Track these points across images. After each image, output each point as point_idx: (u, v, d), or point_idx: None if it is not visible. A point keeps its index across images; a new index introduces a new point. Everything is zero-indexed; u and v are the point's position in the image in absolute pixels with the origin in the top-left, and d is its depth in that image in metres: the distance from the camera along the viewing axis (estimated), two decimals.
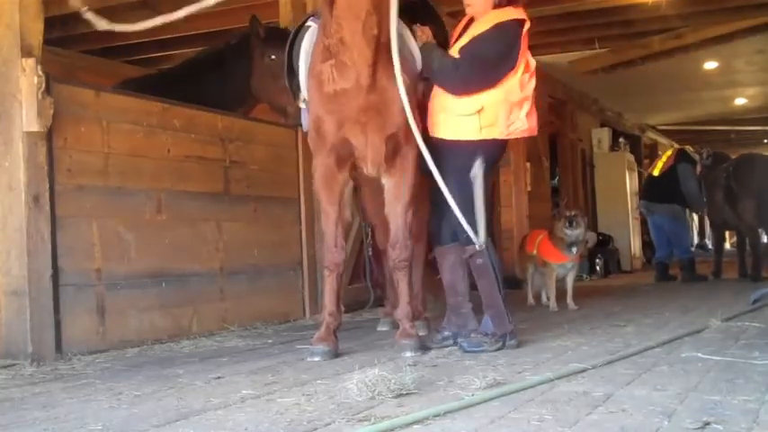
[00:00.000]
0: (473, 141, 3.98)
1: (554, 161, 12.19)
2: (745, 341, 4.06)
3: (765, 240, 9.65)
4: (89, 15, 3.75)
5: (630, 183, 13.27)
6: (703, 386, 2.92)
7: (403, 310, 4.08)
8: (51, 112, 4.05)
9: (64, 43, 7.13)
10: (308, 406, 2.76)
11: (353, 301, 6.35)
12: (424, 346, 4.03)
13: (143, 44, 8.66)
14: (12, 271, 3.99)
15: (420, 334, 4.31)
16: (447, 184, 3.81)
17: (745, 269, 9.30)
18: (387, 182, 4.08)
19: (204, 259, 5.12)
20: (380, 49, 3.73)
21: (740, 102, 14.48)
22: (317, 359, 3.86)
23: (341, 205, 4.06)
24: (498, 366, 3.47)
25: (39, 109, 3.98)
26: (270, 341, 4.73)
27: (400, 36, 3.84)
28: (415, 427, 2.40)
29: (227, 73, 5.78)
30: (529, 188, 10.32)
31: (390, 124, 3.88)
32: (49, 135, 4.12)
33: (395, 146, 3.94)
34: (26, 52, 4.00)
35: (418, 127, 3.79)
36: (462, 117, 3.99)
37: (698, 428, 2.28)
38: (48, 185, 4.09)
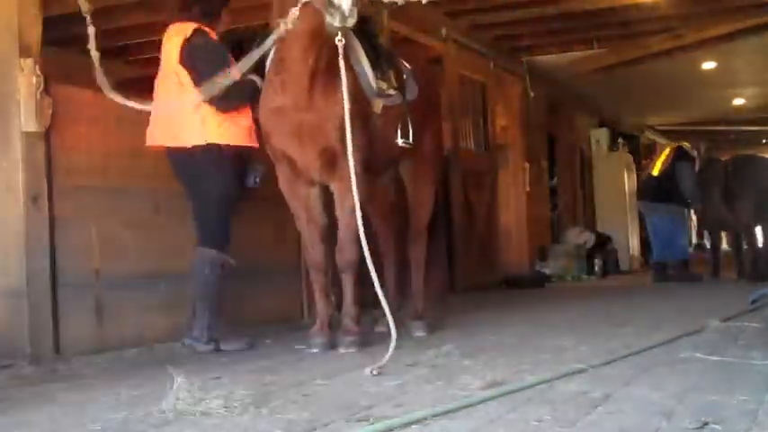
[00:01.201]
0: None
1: (552, 161, 12.21)
2: (744, 341, 4.06)
3: (762, 240, 9.65)
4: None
5: (629, 183, 13.27)
6: (702, 386, 2.92)
7: (346, 309, 4.33)
8: (50, 112, 4.06)
9: (63, 43, 7.13)
10: (307, 406, 2.76)
11: None
12: (361, 343, 4.24)
13: (143, 44, 8.65)
14: (10, 271, 3.99)
15: (418, 334, 4.65)
16: None
17: (742, 269, 9.31)
18: (333, 189, 4.32)
19: None
20: (318, 73, 4.01)
21: (739, 102, 14.49)
22: (315, 350, 4.20)
23: (308, 208, 4.39)
24: (497, 366, 3.47)
25: (37, 109, 3.98)
26: (268, 341, 4.73)
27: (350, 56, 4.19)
28: (413, 427, 2.40)
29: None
30: (527, 188, 10.34)
31: (323, 140, 4.11)
32: (48, 135, 4.11)
33: (330, 159, 4.16)
34: (24, 52, 4.00)
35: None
36: None
37: (697, 428, 2.28)
38: (46, 186, 4.09)
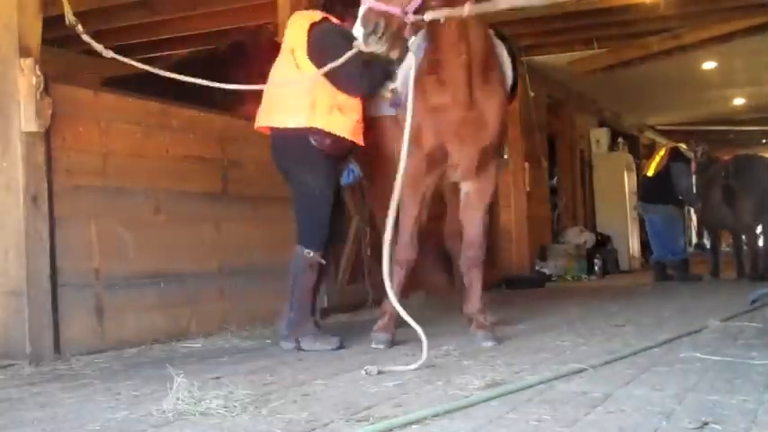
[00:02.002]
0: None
1: (553, 161, 12.21)
2: (744, 341, 4.06)
3: (762, 240, 9.65)
4: (86, 37, 4.00)
5: (629, 183, 13.28)
6: (702, 386, 2.92)
7: (475, 305, 4.49)
8: (50, 112, 4.05)
9: (62, 43, 7.13)
10: (307, 406, 2.76)
11: (352, 302, 6.36)
12: (497, 338, 4.34)
13: (142, 44, 8.67)
14: (10, 271, 3.98)
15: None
16: None
17: (742, 269, 9.31)
18: (470, 188, 4.50)
19: (203, 259, 5.11)
20: (475, 70, 4.17)
21: (739, 102, 14.49)
22: (381, 347, 4.26)
23: (422, 206, 4.43)
24: (497, 366, 3.47)
25: (37, 109, 3.98)
26: (268, 341, 4.73)
27: (497, 54, 4.43)
28: (413, 427, 2.40)
29: (216, 78, 5.72)
30: (528, 188, 10.33)
31: (485, 138, 4.29)
32: (48, 135, 4.11)
33: (485, 157, 4.35)
34: (24, 52, 4.00)
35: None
36: None
37: (696, 428, 2.28)
38: (46, 185, 4.09)
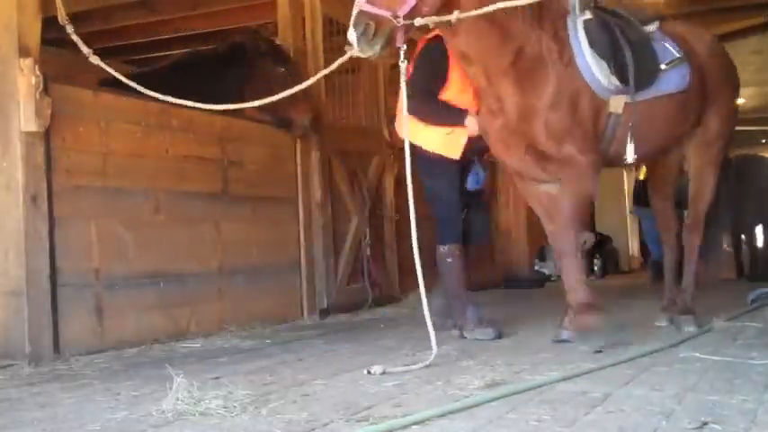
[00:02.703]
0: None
1: None
2: (743, 341, 4.06)
3: (762, 240, 9.65)
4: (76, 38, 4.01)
5: (629, 183, 13.27)
6: (701, 386, 2.92)
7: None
8: (49, 112, 4.05)
9: (62, 43, 7.12)
10: (306, 406, 2.76)
11: (352, 302, 6.36)
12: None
13: (142, 44, 8.67)
14: (10, 271, 3.98)
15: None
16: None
17: (742, 269, 9.31)
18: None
19: (202, 259, 5.11)
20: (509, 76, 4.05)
21: (739, 102, 14.47)
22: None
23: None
24: (497, 366, 3.47)
25: (37, 109, 3.98)
26: (268, 341, 4.73)
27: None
28: (413, 427, 2.40)
29: (212, 79, 5.72)
30: None
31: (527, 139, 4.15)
32: (47, 135, 4.11)
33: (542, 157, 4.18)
34: (24, 52, 4.00)
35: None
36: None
37: (696, 428, 2.28)
38: (46, 185, 4.09)
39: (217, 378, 3.39)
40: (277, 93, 5.81)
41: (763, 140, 18.62)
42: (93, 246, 4.37)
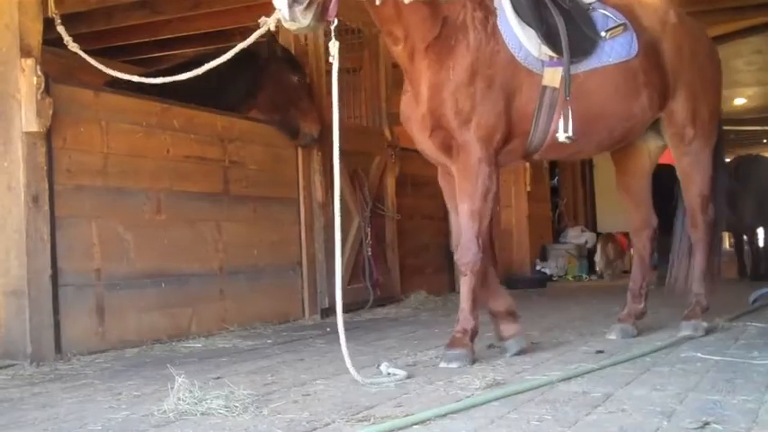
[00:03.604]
0: None
1: (553, 161, 12.19)
2: (745, 341, 4.06)
3: (763, 241, 9.64)
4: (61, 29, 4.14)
5: None
6: (703, 386, 2.92)
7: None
8: (50, 112, 4.06)
9: (63, 43, 7.13)
10: (307, 406, 2.76)
11: (352, 302, 6.36)
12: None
13: (142, 44, 8.66)
14: (11, 271, 3.99)
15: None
16: None
17: (744, 269, 9.30)
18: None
19: (203, 259, 5.12)
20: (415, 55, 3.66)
21: (739, 102, 14.48)
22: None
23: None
24: (497, 367, 3.47)
25: (38, 109, 3.99)
26: (269, 341, 4.73)
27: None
28: (414, 427, 2.40)
29: (222, 82, 5.71)
30: (528, 188, 10.32)
31: (435, 119, 3.73)
32: (49, 135, 4.12)
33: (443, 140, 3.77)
34: (25, 52, 4.00)
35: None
36: None
37: (697, 428, 2.28)
38: (47, 186, 4.09)
39: (218, 378, 3.39)
40: (289, 100, 5.87)
41: (765, 140, 18.60)
42: (94, 246, 4.37)
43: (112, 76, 4.31)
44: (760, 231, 9.52)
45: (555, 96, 3.72)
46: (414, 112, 3.74)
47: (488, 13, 3.66)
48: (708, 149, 4.45)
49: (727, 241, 11.21)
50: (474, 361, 3.56)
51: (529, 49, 3.66)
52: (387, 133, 7.17)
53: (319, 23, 3.15)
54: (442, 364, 3.52)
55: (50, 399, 3.11)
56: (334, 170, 3.27)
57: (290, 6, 3.00)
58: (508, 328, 3.86)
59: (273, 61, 5.85)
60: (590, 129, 3.86)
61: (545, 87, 3.70)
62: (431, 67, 3.60)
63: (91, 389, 3.28)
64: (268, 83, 5.85)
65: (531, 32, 3.67)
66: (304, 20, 3.04)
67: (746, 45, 9.94)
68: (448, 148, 3.67)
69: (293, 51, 6.06)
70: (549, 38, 3.69)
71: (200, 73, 3.76)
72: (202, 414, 2.65)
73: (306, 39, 6.28)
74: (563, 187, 12.41)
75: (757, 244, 9.38)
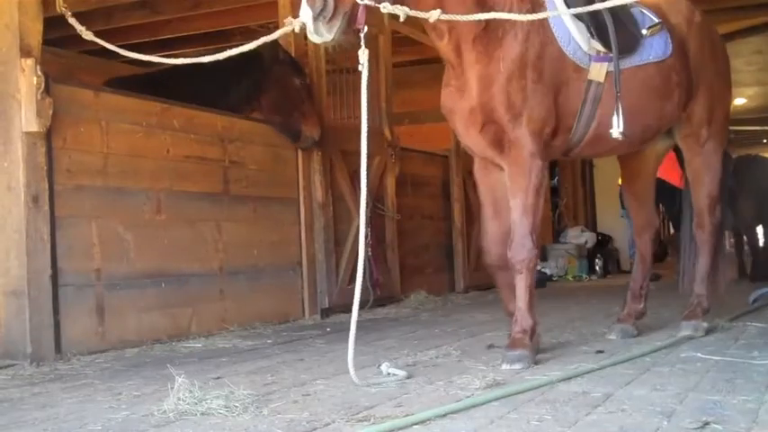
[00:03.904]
0: None
1: (554, 161, 12.19)
2: (745, 341, 4.06)
3: (763, 240, 9.64)
4: (73, 21, 4.06)
5: None
6: (703, 386, 2.92)
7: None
8: (50, 112, 4.06)
9: (63, 43, 7.14)
10: (307, 406, 2.76)
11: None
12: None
13: (143, 44, 8.66)
14: (11, 271, 3.99)
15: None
16: None
17: (744, 269, 9.30)
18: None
19: (203, 259, 5.12)
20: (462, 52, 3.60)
21: (740, 102, 14.49)
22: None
23: None
24: (498, 367, 3.47)
25: (38, 109, 3.99)
26: (269, 341, 4.73)
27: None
28: (415, 427, 2.40)
29: (225, 84, 5.70)
30: None
31: (485, 114, 3.68)
32: (49, 135, 4.12)
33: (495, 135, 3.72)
34: (25, 52, 4.00)
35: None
36: None
37: (697, 428, 2.28)
38: (47, 186, 4.09)
39: (218, 378, 3.39)
40: (292, 103, 5.87)
41: (765, 140, 18.61)
42: (94, 246, 4.37)
43: (112, 76, 4.32)
44: (759, 231, 9.51)
45: (599, 92, 3.70)
46: (457, 105, 3.69)
47: (536, 5, 3.60)
48: (720, 151, 4.45)
49: (726, 241, 11.18)
50: (536, 361, 3.49)
51: (579, 43, 3.62)
52: (387, 133, 7.17)
53: (346, 35, 3.07)
54: (505, 366, 3.41)
55: (50, 399, 3.11)
56: (361, 174, 3.22)
57: (315, 20, 2.94)
58: None
59: (276, 64, 5.85)
60: (629, 127, 3.76)
61: (590, 82, 3.68)
62: (480, 60, 3.54)
63: (91, 389, 3.28)
64: (271, 86, 5.85)
65: (582, 26, 3.63)
66: (328, 34, 2.99)
67: (746, 45, 9.94)
68: (499, 142, 3.61)
69: (293, 52, 6.06)
70: (599, 32, 3.66)
71: (219, 60, 3.71)
72: (202, 414, 2.65)
73: (306, 39, 6.26)
74: (563, 187, 12.42)
75: (757, 244, 9.38)
